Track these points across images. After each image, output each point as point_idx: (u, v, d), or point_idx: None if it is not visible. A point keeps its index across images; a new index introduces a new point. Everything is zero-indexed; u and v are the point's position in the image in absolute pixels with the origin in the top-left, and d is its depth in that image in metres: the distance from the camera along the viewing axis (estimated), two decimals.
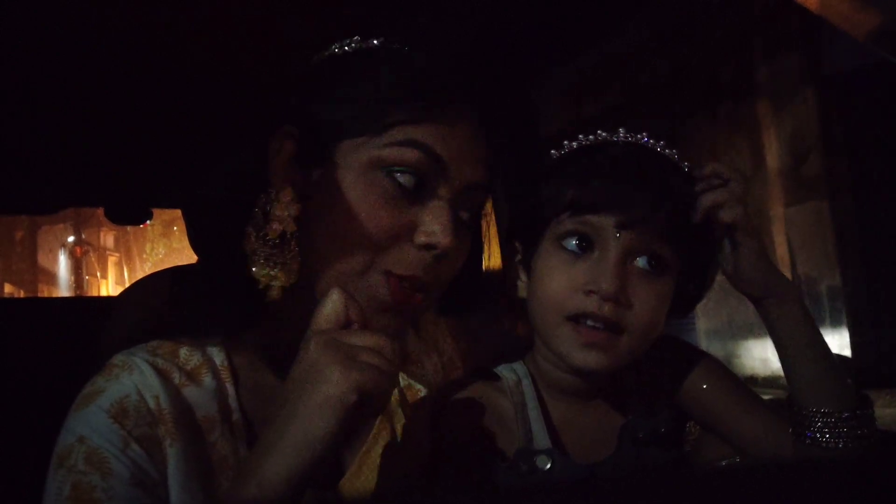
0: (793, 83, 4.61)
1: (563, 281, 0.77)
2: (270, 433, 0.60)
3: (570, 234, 0.78)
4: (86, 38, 1.05)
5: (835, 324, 4.49)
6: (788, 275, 4.73)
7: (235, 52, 1.14)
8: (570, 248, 0.78)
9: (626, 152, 0.80)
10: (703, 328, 5.21)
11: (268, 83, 0.80)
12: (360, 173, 0.70)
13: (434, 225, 0.70)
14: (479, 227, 0.81)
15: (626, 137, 0.81)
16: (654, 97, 5.67)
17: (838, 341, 4.46)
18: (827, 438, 0.73)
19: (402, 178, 0.69)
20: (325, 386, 0.58)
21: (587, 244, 0.77)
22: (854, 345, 4.42)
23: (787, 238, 4.74)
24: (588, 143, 0.83)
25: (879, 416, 0.74)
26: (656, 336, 0.80)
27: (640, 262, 0.77)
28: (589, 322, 0.76)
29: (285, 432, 0.58)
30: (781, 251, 4.78)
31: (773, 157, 4.78)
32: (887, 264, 4.48)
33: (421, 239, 0.70)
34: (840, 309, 4.48)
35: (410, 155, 0.69)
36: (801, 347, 0.76)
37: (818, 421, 0.74)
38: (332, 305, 0.63)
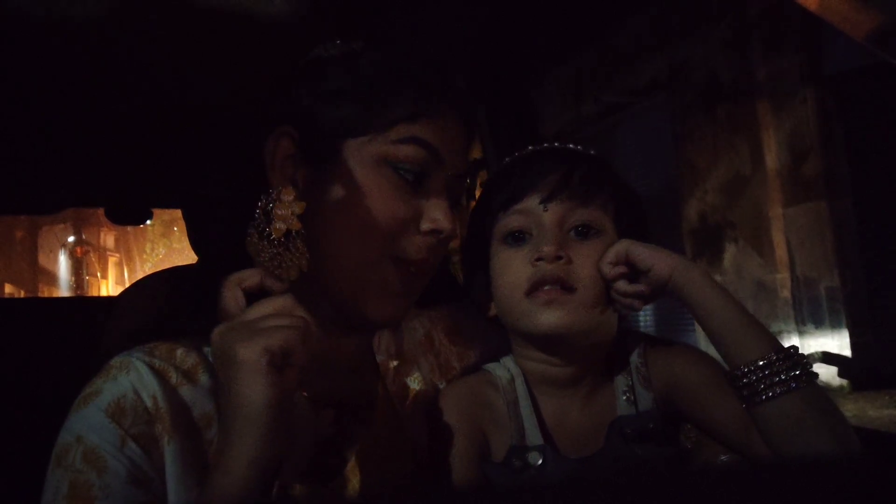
0: (792, 83, 4.61)
1: (515, 267, 0.85)
2: (220, 437, 0.63)
3: (509, 231, 0.87)
4: (85, 39, 1.05)
5: (834, 324, 4.49)
6: (788, 275, 4.74)
7: (234, 51, 1.14)
8: (513, 242, 0.86)
9: (542, 150, 0.91)
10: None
11: (264, 83, 0.81)
12: (370, 169, 0.74)
13: (437, 212, 0.76)
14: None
15: (546, 145, 0.92)
16: (654, 97, 5.68)
17: (838, 341, 4.46)
18: (765, 388, 0.73)
19: (405, 172, 0.75)
20: (236, 367, 0.60)
21: (527, 234, 0.86)
22: (854, 345, 4.42)
23: (786, 239, 4.74)
24: (516, 157, 0.93)
25: (879, 416, 0.74)
26: (603, 295, 0.84)
27: (573, 231, 0.85)
28: (545, 287, 0.82)
29: (230, 427, 0.60)
30: (780, 252, 4.78)
31: (773, 157, 4.77)
32: (887, 265, 4.48)
33: (426, 225, 0.75)
34: (839, 309, 4.48)
35: (415, 152, 0.75)
36: (717, 308, 0.79)
37: (753, 375, 0.74)
38: (225, 300, 0.69)
